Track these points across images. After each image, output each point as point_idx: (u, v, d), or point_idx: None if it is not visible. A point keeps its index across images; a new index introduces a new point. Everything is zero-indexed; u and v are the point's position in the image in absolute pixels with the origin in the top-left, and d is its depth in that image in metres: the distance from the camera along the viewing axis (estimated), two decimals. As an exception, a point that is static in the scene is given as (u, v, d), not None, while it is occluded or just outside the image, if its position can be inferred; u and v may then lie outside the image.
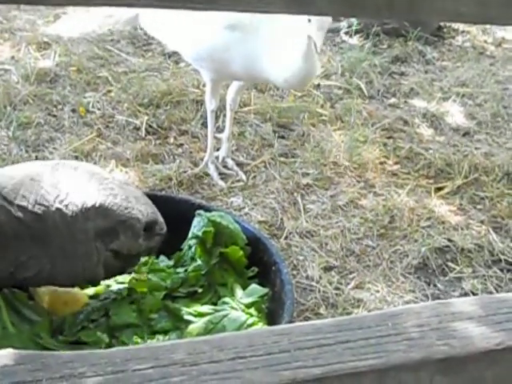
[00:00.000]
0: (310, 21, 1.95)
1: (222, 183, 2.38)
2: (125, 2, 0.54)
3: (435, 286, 2.05)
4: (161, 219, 1.60)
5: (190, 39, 2.16)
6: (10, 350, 0.78)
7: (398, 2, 0.58)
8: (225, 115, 2.55)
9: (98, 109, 2.74)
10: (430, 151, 2.68)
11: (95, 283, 1.64)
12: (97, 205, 1.46)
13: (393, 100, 3.10)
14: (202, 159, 2.46)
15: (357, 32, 3.66)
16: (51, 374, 0.74)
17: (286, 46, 2.05)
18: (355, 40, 3.63)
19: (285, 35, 2.05)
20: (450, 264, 2.13)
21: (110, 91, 2.87)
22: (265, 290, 1.71)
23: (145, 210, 1.55)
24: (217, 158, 2.48)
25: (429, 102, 3.07)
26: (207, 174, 2.42)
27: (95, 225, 1.47)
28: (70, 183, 1.47)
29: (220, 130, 2.63)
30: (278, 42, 2.04)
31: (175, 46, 2.32)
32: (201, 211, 1.81)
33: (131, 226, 1.52)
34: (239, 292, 1.72)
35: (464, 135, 2.86)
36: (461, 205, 2.40)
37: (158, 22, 2.29)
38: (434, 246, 2.16)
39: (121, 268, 1.60)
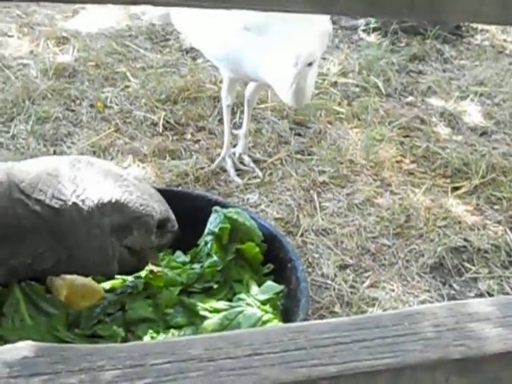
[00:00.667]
0: (297, 64, 2.00)
1: (238, 180, 2.38)
2: (157, 0, 0.55)
3: (451, 286, 2.04)
4: (173, 217, 1.61)
5: (210, 38, 2.18)
6: (29, 343, 0.79)
7: (419, 1, 0.58)
8: (242, 112, 2.56)
9: (116, 104, 2.75)
10: (447, 150, 2.67)
11: (110, 278, 1.66)
12: (113, 201, 1.48)
13: (410, 98, 3.09)
14: (218, 155, 2.47)
15: (374, 30, 3.64)
16: (70, 366, 0.75)
17: (278, 76, 2.07)
18: (373, 38, 3.61)
19: (286, 49, 2.05)
20: (466, 264, 2.12)
21: (127, 87, 2.88)
22: (280, 287, 1.72)
23: (158, 208, 1.57)
24: (233, 154, 2.48)
25: (446, 101, 3.05)
26: (224, 170, 2.43)
27: (111, 220, 1.49)
28: (87, 179, 1.49)
29: (237, 126, 2.64)
30: (279, 57, 2.06)
31: (197, 43, 2.34)
32: (217, 207, 1.82)
33: (145, 223, 1.54)
34: (255, 288, 1.73)
35: (482, 135, 2.85)
36: (477, 205, 2.39)
37: (184, 20, 2.31)
38: (450, 245, 2.15)
39: (134, 265, 1.62)
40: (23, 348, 0.76)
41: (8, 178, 1.48)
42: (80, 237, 1.48)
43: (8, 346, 0.78)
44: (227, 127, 2.40)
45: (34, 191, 1.46)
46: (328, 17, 2.24)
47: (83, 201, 1.47)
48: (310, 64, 2.05)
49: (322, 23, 2.18)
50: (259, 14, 2.02)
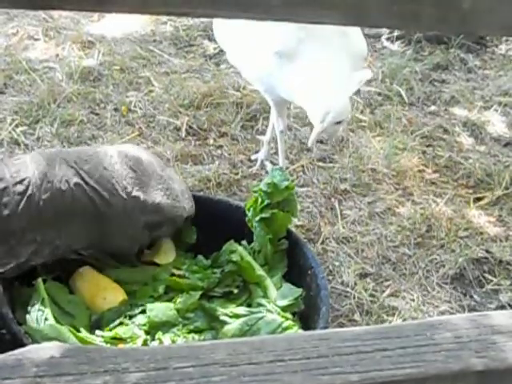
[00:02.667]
0: (323, 121, 1.99)
1: None
2: (181, 10, 0.56)
3: (471, 297, 2.03)
4: (193, 208, 1.82)
5: (246, 62, 2.19)
6: (56, 343, 0.80)
7: (452, 15, 0.59)
8: (265, 118, 2.57)
9: (140, 108, 2.78)
10: (470, 161, 2.65)
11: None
12: (154, 203, 1.69)
13: (433, 108, 3.08)
14: (241, 161, 2.48)
15: (398, 38, 3.64)
16: (96, 367, 0.76)
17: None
18: (396, 46, 3.61)
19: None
20: (487, 275, 2.11)
21: (151, 91, 2.90)
22: (299, 291, 1.72)
23: (187, 205, 1.78)
24: (255, 160, 2.49)
25: (470, 111, 3.04)
26: (245, 177, 2.44)
27: (147, 219, 1.70)
28: (136, 179, 1.69)
29: (260, 132, 2.65)
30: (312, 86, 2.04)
31: (237, 65, 2.33)
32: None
33: (175, 222, 1.76)
34: (274, 292, 1.73)
35: (505, 145, 2.83)
36: (500, 216, 2.37)
37: (224, 38, 2.31)
38: (472, 256, 2.14)
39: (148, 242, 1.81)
40: (50, 348, 0.78)
41: (68, 163, 1.65)
42: (118, 226, 1.68)
43: (35, 345, 0.79)
44: (282, 153, 2.34)
45: (90, 180, 1.65)
46: (363, 39, 2.20)
47: (129, 198, 1.67)
48: (339, 122, 2.01)
49: (357, 47, 2.13)
50: (292, 38, 2.02)
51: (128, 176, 1.68)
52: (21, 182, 1.59)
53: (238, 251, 1.79)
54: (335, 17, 0.57)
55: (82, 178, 1.63)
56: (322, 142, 2.72)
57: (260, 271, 1.77)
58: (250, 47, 2.14)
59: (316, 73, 2.02)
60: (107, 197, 1.64)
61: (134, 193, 1.67)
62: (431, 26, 0.62)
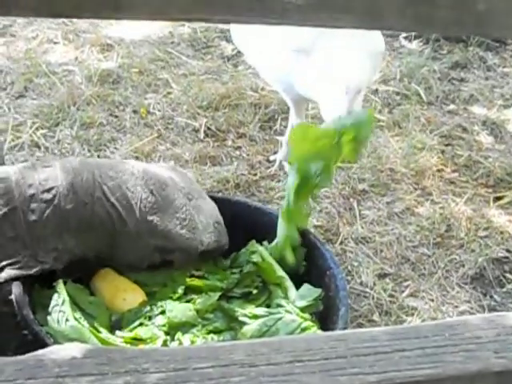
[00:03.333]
0: (347, 93, 2.00)
1: None
2: (201, 16, 0.56)
3: (491, 297, 2.02)
4: (223, 242, 1.80)
5: (264, 62, 2.20)
6: (77, 344, 0.81)
7: (466, 17, 0.59)
8: (283, 119, 2.57)
9: (159, 110, 2.79)
10: (490, 159, 2.64)
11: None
12: (165, 230, 1.71)
13: (452, 106, 3.07)
14: (259, 162, 2.49)
15: (416, 37, 3.62)
16: (116, 368, 0.77)
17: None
18: (414, 45, 3.59)
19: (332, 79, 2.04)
20: (507, 275, 2.10)
21: (170, 93, 2.92)
22: (318, 291, 1.72)
23: (207, 240, 1.77)
24: (274, 161, 2.50)
25: (489, 110, 3.02)
26: (263, 177, 2.45)
27: (157, 243, 1.72)
28: (153, 203, 1.71)
29: (278, 133, 2.65)
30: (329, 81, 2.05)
31: (256, 66, 2.35)
32: None
33: (188, 252, 1.75)
34: (293, 292, 1.74)
35: (525, 144, 2.81)
36: (520, 215, 2.36)
37: (242, 43, 2.33)
38: (492, 256, 2.13)
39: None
40: (72, 349, 0.79)
41: (93, 176, 1.68)
42: (130, 245, 1.70)
43: (57, 346, 0.81)
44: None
45: (111, 197, 1.68)
46: (381, 35, 2.22)
47: (143, 220, 1.70)
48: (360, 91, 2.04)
49: (374, 43, 2.16)
50: (309, 34, 2.03)
51: (147, 200, 1.70)
52: (49, 190, 1.64)
53: (259, 251, 1.80)
54: (349, 20, 0.57)
55: (104, 194, 1.67)
56: (340, 142, 2.71)
57: (280, 272, 1.78)
58: (268, 46, 2.15)
59: (333, 66, 2.04)
60: (124, 215, 1.68)
61: (149, 217, 1.70)
62: (446, 29, 0.62)
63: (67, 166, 1.69)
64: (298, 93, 2.19)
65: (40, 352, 0.78)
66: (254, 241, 1.83)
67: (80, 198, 1.65)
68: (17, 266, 1.62)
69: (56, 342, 1.46)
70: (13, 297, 1.56)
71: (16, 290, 1.57)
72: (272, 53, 2.15)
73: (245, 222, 1.88)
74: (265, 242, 1.84)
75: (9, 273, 1.61)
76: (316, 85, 2.08)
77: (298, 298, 1.72)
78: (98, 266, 1.75)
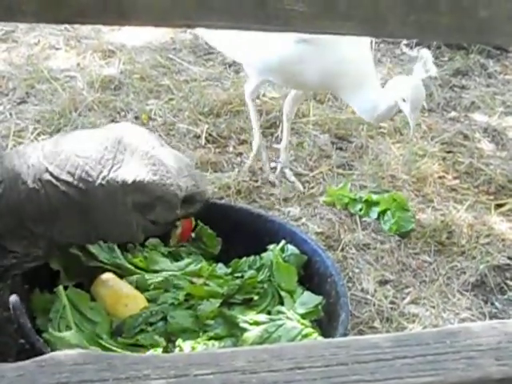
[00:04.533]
0: (404, 100, 2.08)
1: (272, 176, 2.42)
2: (202, 23, 0.57)
3: (493, 304, 2.02)
4: (203, 188, 1.67)
5: (259, 51, 2.21)
6: (78, 350, 0.81)
7: (468, 24, 0.59)
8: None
9: (160, 116, 2.80)
10: (491, 167, 2.64)
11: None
12: (136, 181, 1.56)
13: (453, 114, 3.07)
14: (260, 168, 2.49)
15: (417, 44, 3.63)
16: (117, 374, 0.77)
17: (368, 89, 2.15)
18: (415, 52, 3.60)
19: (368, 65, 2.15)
20: (508, 282, 2.09)
21: (171, 99, 2.92)
22: (319, 298, 1.72)
23: (184, 184, 1.61)
24: (275, 168, 2.51)
25: (490, 117, 3.02)
26: (264, 183, 2.45)
27: (133, 199, 1.57)
28: (113, 159, 1.58)
29: (279, 140, 2.65)
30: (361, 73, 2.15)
31: (238, 56, 2.37)
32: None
33: (168, 201, 1.59)
34: (294, 299, 1.74)
35: (527, 151, 2.81)
36: (521, 222, 2.35)
37: (219, 34, 2.34)
38: (493, 263, 2.13)
39: (159, 232, 1.70)
40: (72, 355, 0.79)
41: (39, 160, 1.58)
42: (106, 214, 1.58)
43: (58, 352, 0.80)
44: (255, 122, 2.44)
45: (61, 173, 1.57)
46: None
47: (108, 182, 1.56)
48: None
49: None
50: None
51: (104, 158, 1.56)
52: None
53: (278, 254, 1.80)
54: (352, 28, 0.58)
55: (52, 174, 1.57)
56: (341, 149, 2.72)
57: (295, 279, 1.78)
58: (264, 39, 2.16)
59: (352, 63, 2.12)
60: (82, 186, 1.56)
61: (111, 174, 1.56)
62: (448, 36, 0.62)
63: (12, 157, 1.60)
64: (303, 82, 2.22)
65: (41, 358, 0.78)
66: (274, 245, 1.83)
67: (29, 187, 1.56)
68: None
69: (56, 349, 1.46)
70: (10, 306, 1.54)
71: (13, 297, 1.55)
72: (274, 44, 2.16)
73: (247, 229, 1.88)
74: (271, 246, 1.84)
75: None
76: (338, 75, 2.13)
77: (298, 305, 1.72)
78: (102, 270, 1.73)
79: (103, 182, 1.55)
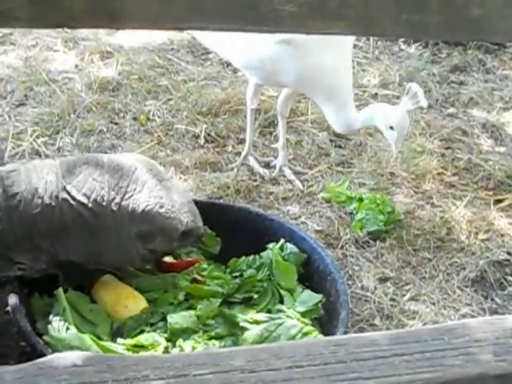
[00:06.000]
0: (392, 128, 2.16)
1: (265, 171, 2.46)
2: (195, 25, 0.57)
3: (493, 299, 2.02)
4: (199, 224, 1.75)
5: (242, 48, 2.24)
6: (78, 352, 0.82)
7: (461, 23, 0.59)
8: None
9: (159, 117, 2.80)
10: (490, 162, 2.64)
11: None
12: (144, 212, 1.65)
13: (451, 110, 3.07)
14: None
15: (415, 41, 3.63)
16: (116, 375, 0.78)
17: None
18: (413, 49, 3.60)
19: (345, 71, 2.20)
20: (508, 278, 2.10)
21: (169, 99, 2.92)
22: (319, 297, 1.73)
23: (185, 219, 1.70)
24: (274, 166, 2.51)
25: (489, 112, 3.02)
26: (262, 182, 2.46)
27: (138, 228, 1.66)
28: (126, 187, 1.66)
29: (277, 139, 2.66)
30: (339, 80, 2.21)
31: (225, 54, 2.44)
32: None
33: (169, 234, 1.69)
34: (294, 298, 1.74)
35: (525, 146, 2.81)
36: (521, 218, 2.36)
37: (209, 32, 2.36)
38: (493, 259, 2.13)
39: (154, 260, 1.78)
40: (72, 357, 0.79)
41: (57, 177, 1.65)
42: (110, 238, 1.66)
43: (57, 354, 0.81)
44: (250, 129, 2.49)
45: (78, 194, 1.64)
46: None
47: (119, 209, 1.65)
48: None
49: None
50: None
51: (117, 185, 1.65)
52: (13, 196, 1.62)
53: (278, 253, 1.80)
54: (344, 27, 0.58)
55: (69, 193, 1.63)
56: (340, 146, 2.72)
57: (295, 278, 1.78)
58: (246, 36, 2.19)
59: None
60: (95, 209, 1.64)
61: (123, 202, 1.64)
62: (440, 35, 0.63)
63: (31, 170, 1.66)
64: (280, 81, 2.29)
65: (40, 360, 0.79)
66: (273, 244, 1.84)
67: (46, 202, 1.62)
68: None
69: (56, 351, 1.46)
70: (9, 308, 1.55)
71: (12, 301, 1.56)
72: (256, 41, 2.20)
73: (246, 228, 1.88)
74: (270, 245, 1.84)
75: None
76: (311, 78, 2.19)
77: (298, 303, 1.72)
78: (98, 273, 1.74)
79: (114, 208, 1.64)
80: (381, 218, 2.21)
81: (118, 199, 1.64)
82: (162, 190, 1.68)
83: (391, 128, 2.16)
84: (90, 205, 1.63)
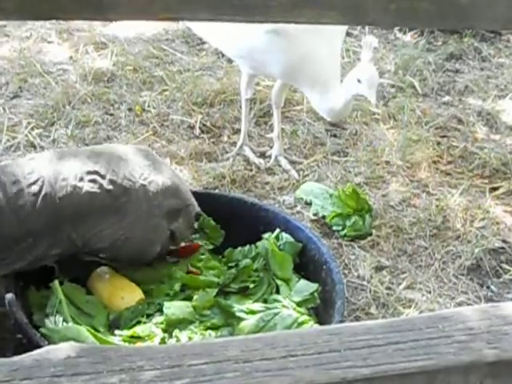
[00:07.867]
0: (359, 81, 2.15)
1: (260, 161, 2.45)
2: (184, 15, 0.57)
3: (488, 287, 2.03)
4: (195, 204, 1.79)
5: (231, 37, 2.24)
6: (72, 343, 0.82)
7: (450, 11, 0.59)
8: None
9: (154, 108, 2.79)
10: (485, 150, 2.64)
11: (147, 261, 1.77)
12: (174, 186, 1.69)
13: (447, 98, 3.07)
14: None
15: (411, 29, 3.62)
16: (111, 366, 0.78)
17: (331, 83, 2.22)
18: (409, 37, 3.59)
19: (333, 59, 2.21)
20: (504, 266, 2.10)
21: (165, 90, 2.92)
22: (315, 286, 1.73)
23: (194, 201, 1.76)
24: (269, 156, 2.51)
25: (484, 100, 3.02)
26: (257, 172, 2.46)
27: (169, 203, 1.69)
28: (150, 165, 1.70)
29: (272, 129, 2.65)
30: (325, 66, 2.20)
31: (217, 42, 2.44)
32: None
33: (189, 212, 1.73)
34: (289, 287, 1.75)
35: (521, 134, 2.81)
36: (516, 205, 2.36)
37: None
38: (488, 247, 2.14)
39: (167, 248, 1.77)
40: (66, 349, 0.79)
41: (82, 160, 1.65)
42: (141, 215, 1.67)
43: (52, 346, 0.81)
44: (245, 119, 2.50)
45: (107, 172, 1.64)
46: None
47: (150, 183, 1.67)
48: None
49: None
50: None
51: (143, 163, 1.68)
52: (34, 182, 1.61)
53: (274, 243, 1.80)
54: (334, 17, 0.58)
55: (97, 172, 1.63)
56: (335, 136, 2.72)
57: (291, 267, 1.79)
58: (236, 26, 2.19)
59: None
60: (127, 185, 1.64)
61: (152, 177, 1.66)
62: (430, 23, 0.63)
63: (51, 156, 1.67)
64: (269, 71, 2.30)
65: (35, 352, 0.79)
66: (269, 233, 1.84)
67: (70, 184, 1.61)
68: (5, 262, 1.60)
69: (53, 343, 1.46)
70: (5, 301, 1.55)
71: (8, 293, 1.55)
72: (245, 31, 2.19)
73: (242, 218, 1.88)
74: (266, 235, 1.84)
75: None
76: (299, 69, 2.19)
77: (294, 293, 1.72)
78: (98, 263, 1.74)
79: (145, 183, 1.66)
80: (360, 223, 2.16)
81: (145, 175, 1.66)
82: (174, 171, 1.74)
83: (359, 81, 2.16)
84: (119, 180, 1.63)
